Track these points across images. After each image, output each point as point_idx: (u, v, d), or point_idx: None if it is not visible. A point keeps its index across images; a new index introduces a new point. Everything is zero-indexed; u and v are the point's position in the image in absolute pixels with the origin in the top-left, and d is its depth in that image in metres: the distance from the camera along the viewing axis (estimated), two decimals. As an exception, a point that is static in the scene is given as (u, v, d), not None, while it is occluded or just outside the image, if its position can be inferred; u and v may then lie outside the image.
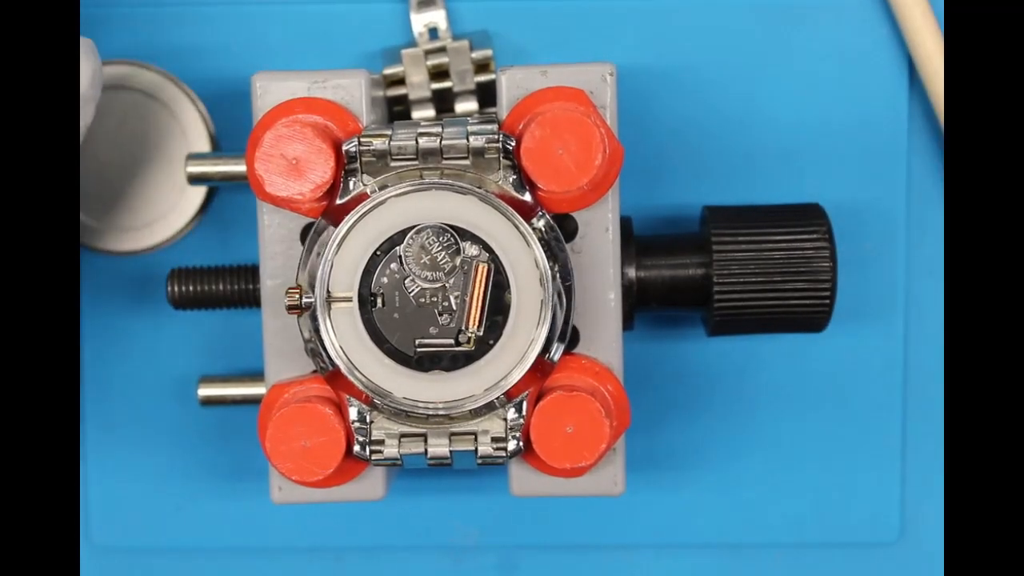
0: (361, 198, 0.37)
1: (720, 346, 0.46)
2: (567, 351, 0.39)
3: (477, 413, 0.38)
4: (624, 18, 0.45)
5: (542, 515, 0.47)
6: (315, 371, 0.39)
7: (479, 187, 0.37)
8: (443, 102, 0.44)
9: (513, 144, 0.37)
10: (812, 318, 0.41)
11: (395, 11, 0.45)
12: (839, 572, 0.47)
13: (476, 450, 0.38)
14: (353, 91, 0.39)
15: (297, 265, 0.38)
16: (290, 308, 0.37)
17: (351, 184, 0.37)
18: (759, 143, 0.45)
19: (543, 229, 0.37)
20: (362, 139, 0.37)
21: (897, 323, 0.46)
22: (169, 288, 0.43)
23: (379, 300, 0.37)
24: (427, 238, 0.37)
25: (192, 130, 0.45)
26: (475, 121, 0.38)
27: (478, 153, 0.37)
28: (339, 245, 0.37)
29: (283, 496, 0.40)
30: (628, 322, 0.42)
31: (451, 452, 0.38)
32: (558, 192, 0.37)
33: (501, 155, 0.37)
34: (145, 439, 0.47)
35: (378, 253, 0.37)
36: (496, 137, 0.37)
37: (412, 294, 0.37)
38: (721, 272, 0.41)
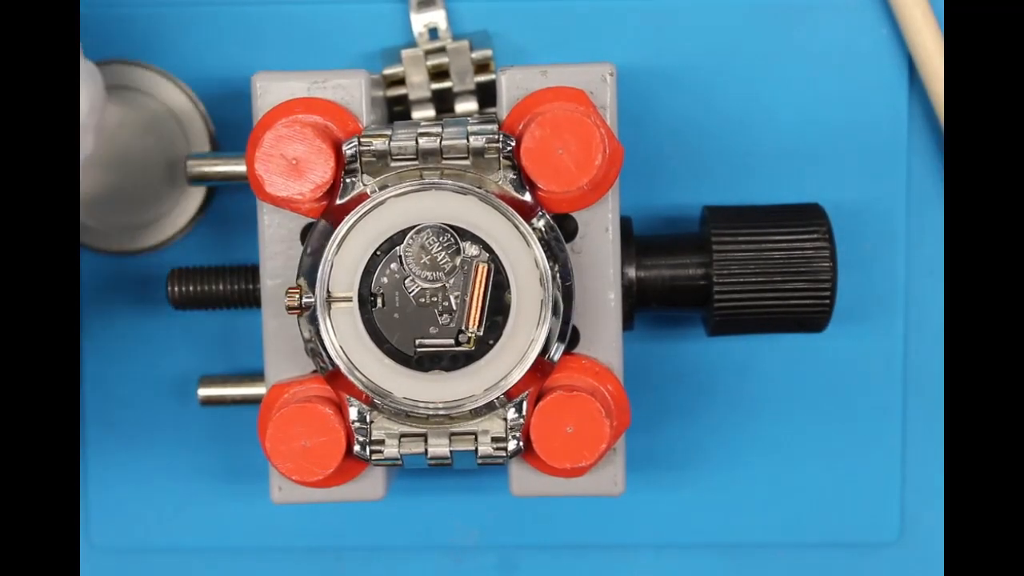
0: (361, 198, 0.37)
1: (720, 346, 0.46)
2: (567, 351, 0.39)
3: (477, 413, 0.38)
4: (624, 18, 0.45)
5: (542, 515, 0.47)
6: (315, 371, 0.39)
7: (479, 187, 0.37)
8: (443, 102, 0.44)
9: (513, 144, 0.37)
10: (812, 318, 0.41)
11: (395, 11, 0.45)
12: (839, 572, 0.47)
13: (476, 450, 0.38)
14: (353, 91, 0.39)
15: (297, 265, 0.38)
16: (290, 308, 0.37)
17: (351, 184, 0.37)
18: (759, 143, 0.45)
19: (543, 229, 0.37)
20: (362, 139, 0.37)
21: (897, 323, 0.46)
22: (169, 288, 0.43)
23: (379, 300, 0.37)
24: (427, 238, 0.37)
25: (192, 130, 0.45)
26: (475, 121, 0.38)
27: (478, 153, 0.37)
28: (339, 245, 0.37)
29: (283, 496, 0.40)
30: (628, 322, 0.42)
31: (451, 452, 0.38)
32: (558, 192, 0.37)
33: (501, 155, 0.37)
34: (145, 439, 0.47)
35: (378, 253, 0.37)
36: (496, 137, 0.37)
37: (412, 294, 0.37)
38: (721, 272, 0.41)
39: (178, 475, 0.47)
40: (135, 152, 0.45)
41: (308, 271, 0.37)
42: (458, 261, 0.37)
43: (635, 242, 0.42)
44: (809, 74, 0.45)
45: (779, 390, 0.46)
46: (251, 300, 0.43)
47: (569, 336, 0.38)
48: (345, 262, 0.37)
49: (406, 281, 0.37)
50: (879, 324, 0.46)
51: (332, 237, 0.37)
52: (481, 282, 0.37)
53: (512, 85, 0.39)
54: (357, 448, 0.38)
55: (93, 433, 0.47)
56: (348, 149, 0.37)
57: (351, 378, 0.37)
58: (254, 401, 0.43)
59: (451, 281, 0.37)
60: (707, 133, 0.45)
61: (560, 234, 0.38)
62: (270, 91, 0.39)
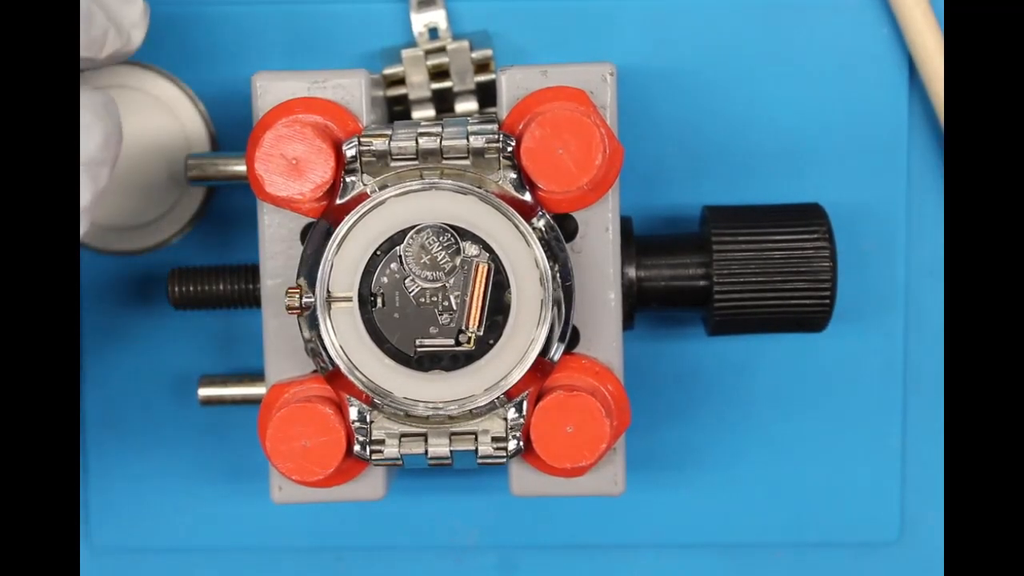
0: (361, 198, 0.37)
1: (720, 346, 0.46)
2: (567, 351, 0.39)
3: (477, 413, 0.38)
4: (624, 18, 0.45)
5: (542, 515, 0.47)
6: (315, 371, 0.39)
7: (479, 187, 0.37)
8: (443, 102, 0.44)
9: (513, 144, 0.37)
10: (812, 318, 0.41)
11: (395, 11, 0.45)
12: (839, 572, 0.47)
13: (476, 450, 0.38)
14: (353, 91, 0.39)
15: (297, 265, 0.38)
16: (290, 308, 0.37)
17: (351, 184, 0.37)
18: (759, 143, 0.45)
19: (543, 229, 0.37)
20: (362, 139, 0.37)
21: (897, 323, 0.46)
22: (169, 288, 0.43)
23: (379, 300, 0.37)
24: (427, 238, 0.37)
25: (192, 130, 0.45)
26: (475, 121, 0.38)
27: (478, 153, 0.37)
28: (339, 245, 0.37)
29: (283, 496, 0.40)
30: (628, 322, 0.42)
31: (451, 452, 0.38)
32: (558, 192, 0.37)
33: (501, 155, 0.37)
34: (145, 439, 0.47)
35: (378, 253, 0.37)
36: (496, 137, 0.37)
37: (412, 294, 0.37)
38: (721, 272, 0.41)
39: (178, 475, 0.47)
40: (135, 152, 0.45)
41: (308, 271, 0.37)
42: (458, 261, 0.37)
43: (635, 242, 0.42)
44: (809, 74, 0.45)
45: (779, 390, 0.46)
46: (251, 300, 0.43)
47: (569, 336, 0.38)
48: (345, 262, 0.37)
49: (406, 281, 0.37)
50: (879, 324, 0.46)
51: (332, 237, 0.37)
52: (481, 282, 0.37)
53: (512, 85, 0.39)
54: (357, 448, 0.38)
55: (93, 433, 0.47)
56: (348, 149, 0.37)
57: (351, 378, 0.37)
58: (254, 401, 0.43)
59: (451, 281, 0.37)
60: (707, 133, 0.45)
61: (560, 234, 0.38)
62: (270, 91, 0.39)
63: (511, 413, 0.38)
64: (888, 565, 0.47)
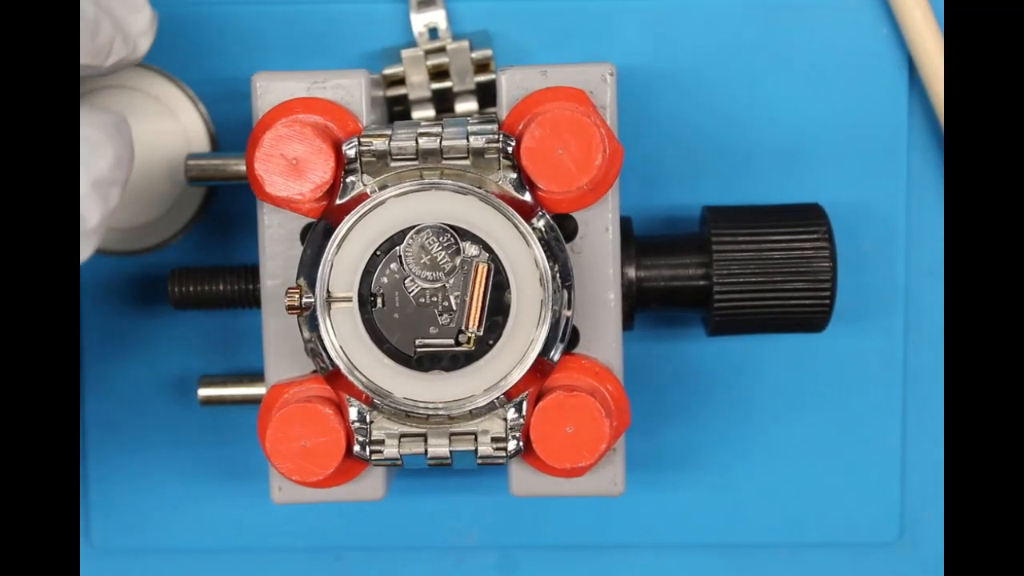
0: (361, 198, 0.37)
1: (720, 346, 0.46)
2: (567, 351, 0.39)
3: (477, 413, 0.38)
4: (624, 18, 0.45)
5: (542, 515, 0.47)
6: (315, 371, 0.39)
7: (479, 187, 0.37)
8: (443, 102, 0.44)
9: (513, 144, 0.37)
10: (812, 318, 0.41)
11: (395, 11, 0.45)
12: (839, 572, 0.47)
13: (476, 450, 0.38)
14: (353, 91, 0.39)
15: (297, 265, 0.38)
16: (290, 308, 0.37)
17: (351, 184, 0.37)
18: (759, 143, 0.45)
19: (543, 229, 0.37)
20: (362, 139, 0.37)
21: (897, 323, 0.46)
22: (169, 288, 0.43)
23: (379, 300, 0.37)
24: (427, 238, 0.37)
25: (192, 130, 0.45)
26: (475, 121, 0.38)
27: (478, 153, 0.37)
28: (339, 245, 0.37)
29: (283, 496, 0.40)
30: (628, 322, 0.42)
31: (451, 452, 0.38)
32: (558, 192, 0.37)
33: (501, 155, 0.37)
34: (145, 439, 0.47)
35: (378, 253, 0.37)
36: (496, 137, 0.37)
37: (412, 294, 0.37)
38: (721, 272, 0.41)
39: (178, 475, 0.47)
40: (135, 152, 0.45)
41: (308, 271, 0.37)
42: (458, 261, 0.37)
43: (635, 242, 0.42)
44: (809, 74, 0.45)
45: (779, 390, 0.46)
46: (251, 300, 0.43)
47: (569, 336, 0.38)
48: (345, 262, 0.37)
49: (406, 281, 0.37)
50: (879, 324, 0.46)
51: (332, 237, 0.37)
52: (481, 282, 0.37)
53: (512, 85, 0.39)
54: (357, 448, 0.38)
55: (93, 433, 0.47)
56: (348, 149, 0.37)
57: (351, 378, 0.37)
58: (254, 401, 0.43)
59: (451, 281, 0.37)
60: (707, 133, 0.45)
61: (560, 234, 0.38)
62: (270, 91, 0.39)
63: (511, 413, 0.38)
64: (888, 565, 0.47)
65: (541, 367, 0.38)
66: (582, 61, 0.39)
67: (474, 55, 0.44)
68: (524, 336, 0.37)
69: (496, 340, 0.37)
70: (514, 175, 0.37)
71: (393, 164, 0.37)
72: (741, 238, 0.41)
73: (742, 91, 0.45)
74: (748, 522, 0.47)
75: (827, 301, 0.41)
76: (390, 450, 0.38)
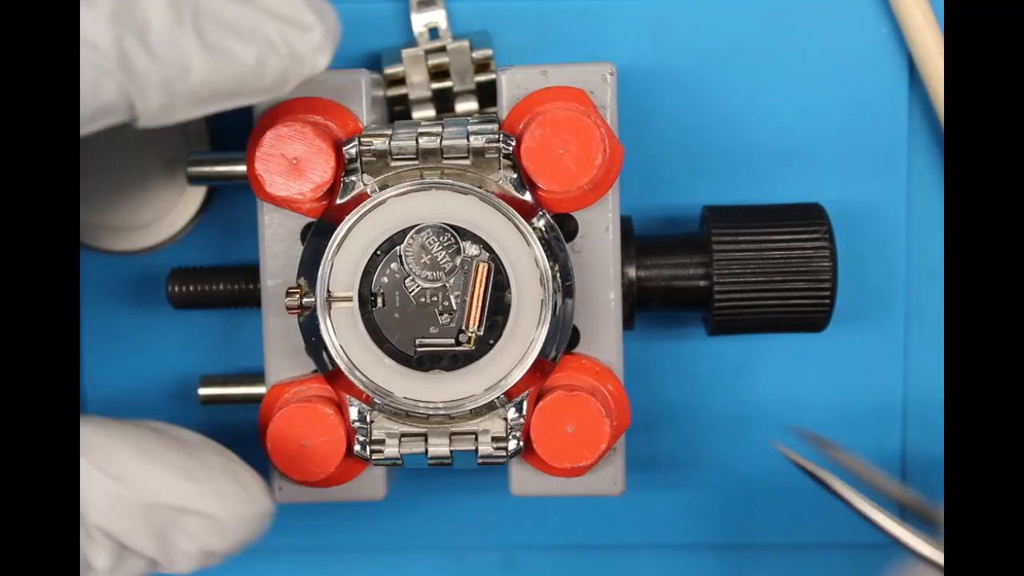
0: (361, 198, 0.37)
1: (720, 346, 0.46)
2: (567, 351, 0.39)
3: (477, 413, 0.38)
4: (624, 18, 0.45)
5: (542, 515, 0.47)
6: (315, 371, 0.39)
7: (479, 187, 0.37)
8: (443, 102, 0.44)
9: (513, 144, 0.37)
10: (812, 318, 0.41)
11: (395, 11, 0.45)
12: (839, 572, 0.47)
13: (476, 450, 0.38)
14: (353, 91, 0.39)
15: (297, 265, 0.38)
16: (290, 308, 0.37)
17: (351, 184, 0.37)
18: (759, 143, 0.45)
19: (543, 229, 0.37)
20: (362, 139, 0.37)
21: (897, 323, 0.46)
22: (169, 288, 0.43)
23: (379, 300, 0.37)
24: (427, 238, 0.37)
25: (192, 130, 0.45)
26: (475, 121, 0.38)
27: (478, 153, 0.37)
28: (339, 245, 0.37)
29: (283, 496, 0.40)
30: (628, 322, 0.42)
31: (451, 452, 0.38)
32: (558, 192, 0.37)
33: (501, 155, 0.37)
34: (145, 439, 0.47)
35: (378, 253, 0.37)
36: (496, 137, 0.37)
37: (412, 294, 0.37)
38: (721, 272, 0.41)
39: (178, 475, 0.47)
40: (135, 152, 0.45)
41: (308, 271, 0.37)
42: (458, 261, 0.37)
43: (635, 242, 0.42)
44: (809, 74, 0.45)
45: (779, 390, 0.46)
46: (251, 300, 0.43)
47: (569, 336, 0.38)
48: (345, 262, 0.37)
49: (406, 281, 0.37)
50: (879, 324, 0.46)
51: (332, 237, 0.37)
52: (481, 282, 0.37)
53: (512, 85, 0.39)
54: (357, 448, 0.38)
55: (93, 433, 0.47)
56: (348, 149, 0.37)
57: (351, 378, 0.37)
58: (254, 401, 0.43)
59: (451, 281, 0.37)
60: (707, 133, 0.45)
61: (560, 234, 0.38)
62: (270, 91, 0.39)
63: (511, 413, 0.38)
64: (888, 565, 0.47)
65: (541, 367, 0.38)
66: (582, 61, 0.39)
67: (474, 55, 0.44)
68: (524, 336, 0.37)
69: (496, 340, 0.37)
70: (514, 175, 0.37)
71: (393, 164, 0.37)
72: (741, 238, 0.41)
73: (742, 91, 0.45)
74: (748, 522, 0.47)
75: (827, 301, 0.41)
76: (390, 450, 0.38)
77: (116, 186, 0.45)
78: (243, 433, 0.46)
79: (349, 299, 0.37)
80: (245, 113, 0.39)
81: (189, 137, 0.45)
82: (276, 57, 0.33)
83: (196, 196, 0.45)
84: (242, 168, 0.42)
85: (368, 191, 0.37)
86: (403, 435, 0.38)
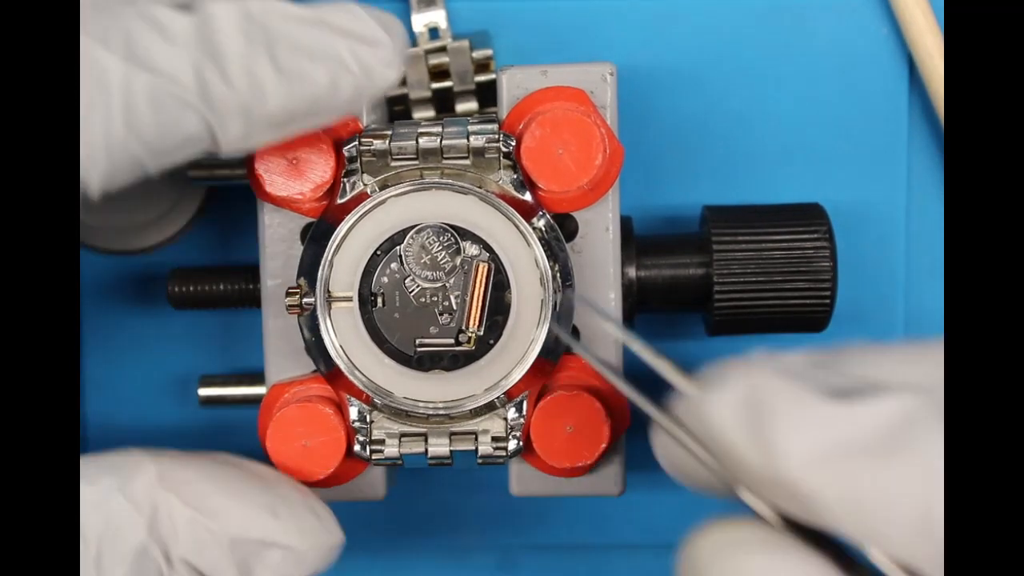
0: (361, 198, 0.37)
1: (720, 346, 0.46)
2: (567, 351, 0.39)
3: (477, 413, 0.38)
4: (624, 18, 0.45)
5: (542, 515, 0.47)
6: (315, 371, 0.39)
7: (479, 187, 0.37)
8: (443, 102, 0.44)
9: (513, 144, 0.37)
10: (812, 318, 0.41)
11: (395, 11, 0.45)
12: (839, 572, 0.47)
13: (476, 450, 0.38)
14: (353, 91, 0.39)
15: (297, 265, 0.38)
16: (290, 308, 0.37)
17: (351, 184, 0.37)
18: (759, 143, 0.45)
19: (543, 229, 0.37)
20: (362, 139, 0.37)
21: (897, 323, 0.46)
22: (169, 288, 0.43)
23: (379, 300, 0.37)
24: (427, 238, 0.37)
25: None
26: (475, 121, 0.38)
27: (478, 153, 0.37)
28: (339, 245, 0.37)
29: (283, 496, 0.40)
30: (628, 322, 0.42)
31: (451, 452, 0.38)
32: (558, 192, 0.37)
33: (501, 155, 0.37)
34: (145, 439, 0.47)
35: (378, 253, 0.37)
36: (496, 137, 0.37)
37: (412, 294, 0.37)
38: (721, 272, 0.41)
39: (178, 475, 0.47)
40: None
41: (308, 271, 0.37)
42: (458, 261, 0.37)
43: (635, 242, 0.42)
44: (809, 74, 0.45)
45: (779, 390, 0.46)
46: (251, 300, 0.43)
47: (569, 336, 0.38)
48: (345, 262, 0.37)
49: (406, 281, 0.37)
50: (879, 324, 0.46)
51: (332, 237, 0.37)
52: (481, 282, 0.37)
53: (512, 85, 0.39)
54: (357, 448, 0.38)
55: (93, 433, 0.47)
56: (348, 149, 0.37)
57: (351, 378, 0.37)
58: (254, 401, 0.43)
59: (451, 281, 0.37)
60: (707, 133, 0.45)
61: (560, 234, 0.38)
62: (270, 91, 0.39)
63: (511, 413, 0.38)
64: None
65: (541, 367, 0.38)
66: (582, 61, 0.39)
67: (474, 55, 0.44)
68: (524, 336, 0.37)
69: (496, 340, 0.37)
70: (514, 175, 0.37)
71: (393, 164, 0.37)
72: (741, 238, 0.41)
73: (742, 91, 0.45)
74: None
75: (827, 301, 0.41)
76: (390, 450, 0.38)
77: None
78: (243, 433, 0.46)
79: (349, 299, 0.37)
80: (245, 113, 0.39)
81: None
82: (348, 75, 0.33)
83: (196, 196, 0.45)
84: (242, 168, 0.42)
85: (368, 191, 0.37)
86: (403, 435, 0.38)
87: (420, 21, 0.44)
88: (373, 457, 0.38)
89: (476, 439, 0.38)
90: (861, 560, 0.29)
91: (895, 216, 0.45)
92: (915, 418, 0.27)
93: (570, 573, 0.47)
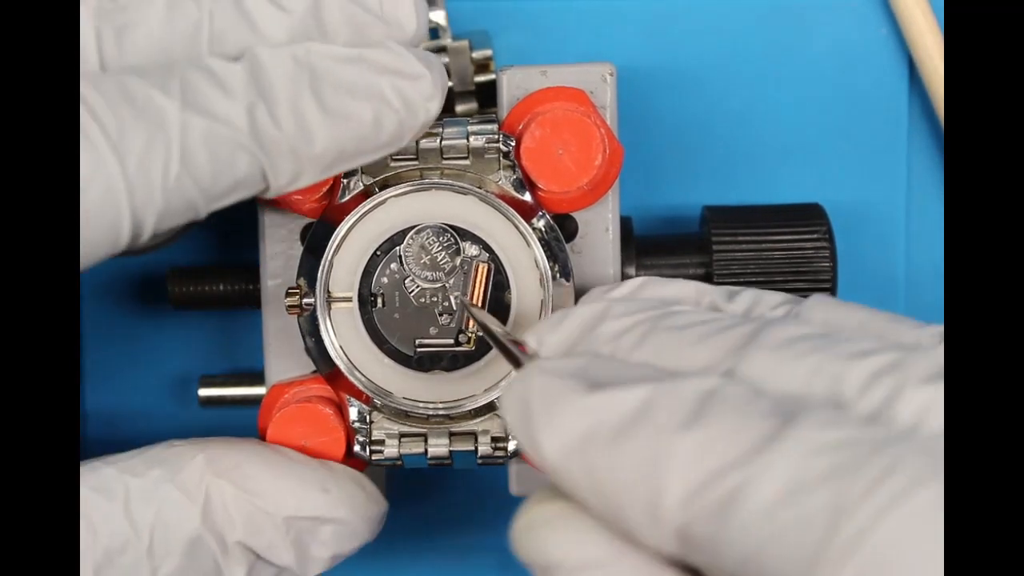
0: (361, 198, 0.37)
1: (720, 346, 0.46)
2: (567, 351, 0.39)
3: (477, 413, 0.38)
4: (624, 18, 0.45)
5: (542, 515, 0.47)
6: (315, 371, 0.39)
7: (479, 187, 0.37)
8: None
9: (513, 144, 0.37)
10: (812, 318, 0.41)
11: (395, 11, 0.45)
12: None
13: (476, 450, 0.38)
14: (353, 91, 0.39)
15: (297, 265, 0.38)
16: (290, 308, 0.37)
17: (351, 184, 0.37)
18: (759, 143, 0.45)
19: (543, 229, 0.37)
20: (362, 139, 0.37)
21: (897, 323, 0.46)
22: (169, 288, 0.43)
23: (379, 300, 0.37)
24: (427, 238, 0.37)
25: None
26: (475, 121, 0.38)
27: (478, 153, 0.37)
28: (339, 245, 0.37)
29: (283, 496, 0.40)
30: (628, 322, 0.42)
31: (451, 452, 0.38)
32: (558, 192, 0.37)
33: (501, 155, 0.37)
34: (145, 439, 0.47)
35: (378, 253, 0.37)
36: (496, 137, 0.37)
37: (412, 294, 0.37)
38: (721, 272, 0.41)
39: (178, 475, 0.47)
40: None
41: (308, 271, 0.37)
42: (458, 261, 0.37)
43: (635, 242, 0.42)
44: (809, 74, 0.45)
45: (779, 390, 0.46)
46: (251, 300, 0.43)
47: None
48: (345, 262, 0.37)
49: (406, 281, 0.37)
50: (879, 324, 0.46)
51: (332, 237, 0.37)
52: (481, 282, 0.37)
53: (512, 85, 0.39)
54: (357, 448, 0.38)
55: (93, 433, 0.47)
56: (348, 149, 0.37)
57: (351, 378, 0.37)
58: (254, 401, 0.43)
59: (451, 281, 0.37)
60: (707, 133, 0.45)
61: (560, 234, 0.38)
62: (270, 91, 0.39)
63: (511, 413, 0.38)
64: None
65: (541, 367, 0.38)
66: (582, 61, 0.39)
67: (474, 55, 0.44)
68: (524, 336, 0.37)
69: (496, 340, 0.37)
70: (514, 175, 0.37)
71: (393, 164, 0.37)
72: (741, 238, 0.41)
73: (742, 91, 0.45)
74: (748, 522, 0.47)
75: (827, 301, 0.41)
76: (390, 450, 0.38)
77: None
78: (243, 433, 0.46)
79: (349, 299, 0.37)
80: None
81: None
82: (391, 111, 0.34)
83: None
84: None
85: (368, 191, 0.37)
86: (403, 435, 0.38)
87: (420, 21, 0.44)
88: (373, 457, 0.38)
89: (476, 439, 0.38)
90: None
91: (895, 216, 0.45)
92: (652, 405, 0.27)
93: (570, 573, 0.47)
